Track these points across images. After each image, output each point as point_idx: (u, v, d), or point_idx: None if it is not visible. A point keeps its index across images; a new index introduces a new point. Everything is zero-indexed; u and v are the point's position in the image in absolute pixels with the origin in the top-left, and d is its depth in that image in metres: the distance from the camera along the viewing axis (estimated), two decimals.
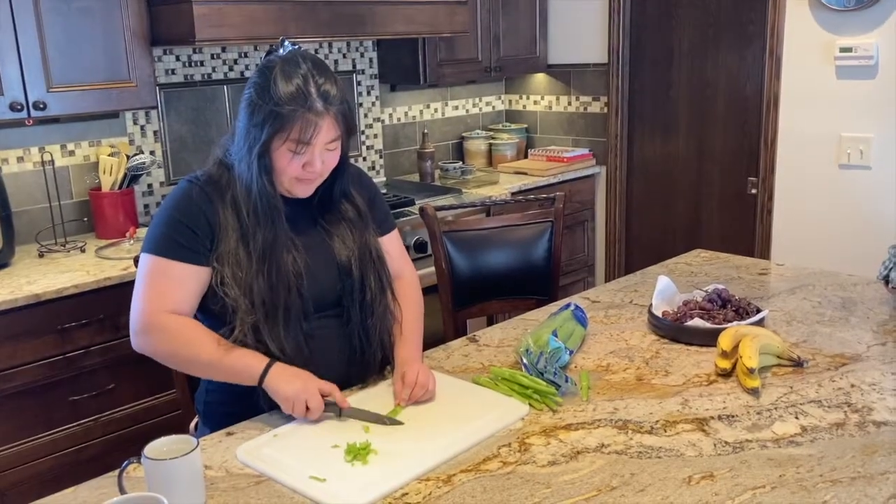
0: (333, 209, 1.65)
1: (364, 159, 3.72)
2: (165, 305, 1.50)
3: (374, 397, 1.57)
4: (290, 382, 1.45)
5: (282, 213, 1.54)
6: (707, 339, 1.75)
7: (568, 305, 1.88)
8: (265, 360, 1.48)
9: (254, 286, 1.50)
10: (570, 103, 4.10)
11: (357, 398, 1.57)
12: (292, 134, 1.48)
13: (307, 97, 1.47)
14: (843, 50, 3.06)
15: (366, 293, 1.62)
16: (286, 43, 1.55)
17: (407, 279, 1.82)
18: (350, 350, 1.62)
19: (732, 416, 1.45)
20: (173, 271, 1.51)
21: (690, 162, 3.73)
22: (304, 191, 1.57)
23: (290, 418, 1.49)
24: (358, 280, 1.62)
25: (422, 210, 2.42)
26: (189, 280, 1.52)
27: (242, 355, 1.49)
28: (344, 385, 1.58)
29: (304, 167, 1.51)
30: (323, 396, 1.46)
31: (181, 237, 1.51)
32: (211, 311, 1.55)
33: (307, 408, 1.45)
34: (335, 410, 1.48)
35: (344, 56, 3.57)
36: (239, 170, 1.54)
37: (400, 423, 1.48)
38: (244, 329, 1.49)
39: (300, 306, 1.53)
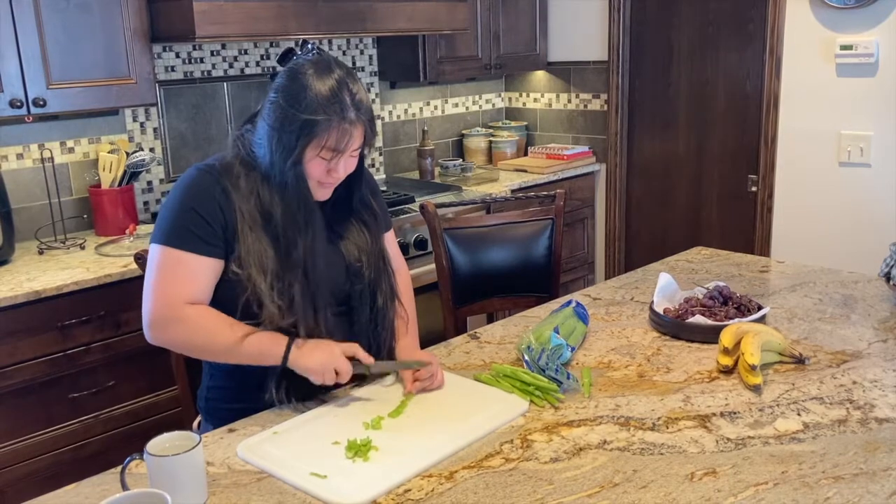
0: (352, 218, 1.65)
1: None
2: (180, 297, 1.48)
3: (376, 394, 1.57)
4: (312, 356, 1.46)
5: (320, 219, 1.54)
6: (708, 335, 1.75)
7: (569, 302, 1.88)
8: (284, 340, 1.47)
9: (294, 291, 1.49)
10: (570, 101, 4.09)
11: (359, 394, 1.57)
12: (328, 143, 1.47)
13: (344, 109, 1.46)
14: (843, 48, 3.06)
15: (377, 299, 1.63)
16: (309, 44, 1.53)
17: (403, 275, 1.83)
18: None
19: (734, 413, 1.45)
20: (186, 263, 1.48)
21: (690, 159, 3.73)
22: (325, 194, 1.57)
23: (290, 415, 1.48)
24: (369, 285, 1.62)
25: (422, 207, 2.42)
26: (203, 272, 1.49)
27: (261, 339, 1.48)
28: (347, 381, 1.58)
29: (328, 172, 1.52)
30: (349, 358, 1.48)
31: (195, 228, 1.48)
32: (229, 304, 1.53)
33: (337, 373, 1.46)
34: (363, 369, 1.50)
35: (344, 53, 3.56)
36: (269, 172, 1.52)
37: (426, 363, 1.57)
38: (266, 328, 1.49)
39: (333, 306, 1.55)
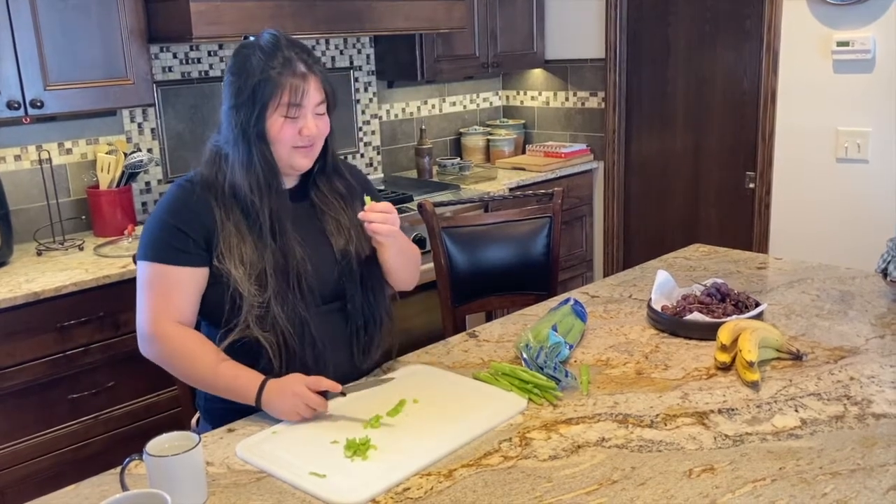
0: (326, 188, 1.65)
1: (362, 156, 3.72)
2: (168, 313, 1.51)
3: (370, 396, 1.57)
4: (282, 397, 1.45)
5: (281, 180, 1.57)
6: (706, 332, 1.76)
7: (567, 300, 1.88)
8: (258, 382, 1.48)
9: (265, 257, 1.51)
10: (567, 99, 4.10)
11: (354, 397, 1.57)
12: (283, 98, 1.51)
13: (290, 61, 1.51)
14: (840, 44, 3.06)
15: (362, 268, 1.64)
16: (251, 37, 1.59)
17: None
18: (353, 334, 1.63)
19: (732, 410, 1.46)
20: (171, 276, 1.52)
21: (688, 157, 3.73)
22: (304, 160, 1.58)
23: None
24: (356, 255, 1.63)
25: (420, 206, 2.42)
26: (188, 283, 1.53)
27: (237, 376, 1.49)
28: (346, 378, 1.58)
29: (299, 133, 1.53)
30: (319, 392, 1.47)
31: (176, 241, 1.52)
32: (213, 315, 1.56)
33: (312, 409, 1.46)
34: (335, 396, 1.49)
35: (341, 52, 3.56)
36: (233, 154, 1.55)
37: (391, 379, 1.60)
38: (249, 321, 1.50)
39: (311, 274, 1.55)
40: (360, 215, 1.55)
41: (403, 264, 1.70)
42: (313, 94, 1.53)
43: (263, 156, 1.53)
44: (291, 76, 1.50)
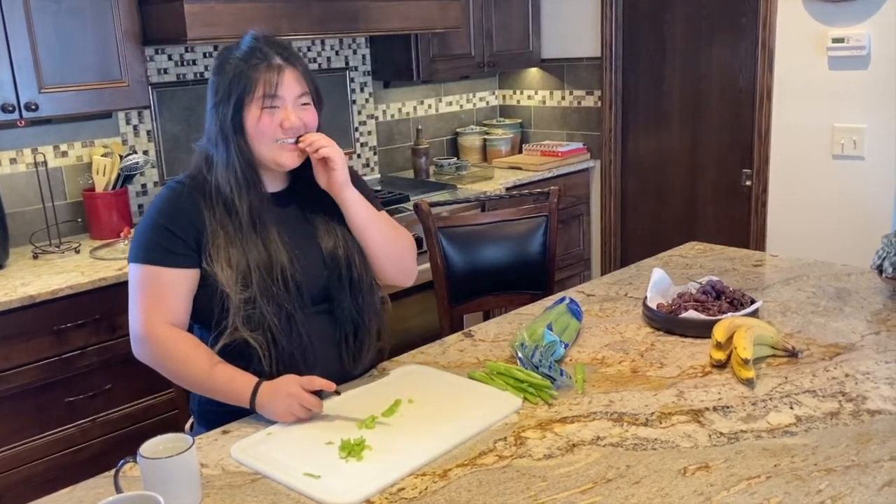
0: (317, 189, 1.64)
1: (358, 156, 3.72)
2: (161, 315, 1.51)
3: (365, 396, 1.57)
4: (276, 399, 1.45)
5: (260, 176, 1.57)
6: (702, 330, 1.76)
7: (563, 299, 1.88)
8: (252, 384, 1.48)
9: (249, 252, 1.51)
10: (563, 98, 4.10)
11: (348, 396, 1.57)
12: (258, 91, 1.51)
13: (266, 56, 1.53)
14: (835, 41, 3.06)
15: (353, 272, 1.63)
16: None
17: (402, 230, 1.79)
18: (342, 339, 1.63)
19: (727, 407, 1.46)
20: (163, 278, 1.52)
21: (684, 155, 3.73)
22: (291, 158, 1.57)
23: None
24: (344, 260, 1.62)
25: (416, 206, 2.42)
26: (179, 284, 1.53)
27: (232, 379, 1.49)
28: (337, 382, 1.57)
29: (281, 126, 1.53)
30: (313, 392, 1.47)
31: (166, 242, 1.52)
32: (203, 317, 1.56)
33: (307, 409, 1.45)
34: (329, 395, 1.49)
35: (337, 53, 3.56)
36: (216, 155, 1.56)
37: (386, 376, 1.62)
38: (237, 324, 1.50)
39: (298, 272, 1.55)
40: (301, 146, 1.55)
41: (384, 242, 1.66)
42: (291, 84, 1.53)
43: (240, 150, 1.53)
44: (266, 69, 1.52)
